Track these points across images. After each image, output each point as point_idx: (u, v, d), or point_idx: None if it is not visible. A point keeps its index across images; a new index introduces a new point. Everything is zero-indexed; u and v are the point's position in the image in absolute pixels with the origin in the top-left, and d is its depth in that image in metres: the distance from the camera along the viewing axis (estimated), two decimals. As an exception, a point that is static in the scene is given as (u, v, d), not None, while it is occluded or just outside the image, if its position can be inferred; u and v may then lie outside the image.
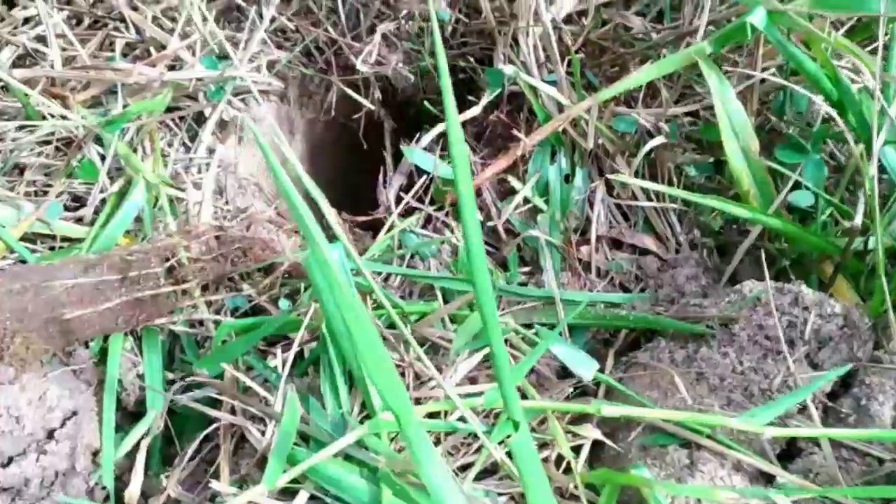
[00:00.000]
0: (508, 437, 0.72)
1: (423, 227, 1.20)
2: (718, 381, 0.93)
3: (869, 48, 1.10)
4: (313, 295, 1.04)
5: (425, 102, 1.34)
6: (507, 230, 1.18)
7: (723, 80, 1.05)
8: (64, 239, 1.13)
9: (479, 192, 1.19)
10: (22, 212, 1.10)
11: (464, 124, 1.26)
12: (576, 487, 0.85)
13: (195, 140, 1.25)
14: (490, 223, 1.19)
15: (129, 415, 1.07)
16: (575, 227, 1.18)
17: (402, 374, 0.97)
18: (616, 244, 1.18)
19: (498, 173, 1.18)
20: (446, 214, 1.20)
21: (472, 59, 1.40)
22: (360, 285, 1.01)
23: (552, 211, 1.17)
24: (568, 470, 0.88)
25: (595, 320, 1.07)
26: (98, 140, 1.17)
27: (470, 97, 1.30)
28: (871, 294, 1.04)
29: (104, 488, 0.97)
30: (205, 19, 1.27)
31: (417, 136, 1.23)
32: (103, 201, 1.15)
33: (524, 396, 0.94)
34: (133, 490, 0.90)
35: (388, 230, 1.16)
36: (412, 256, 1.17)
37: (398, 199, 1.21)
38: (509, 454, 0.78)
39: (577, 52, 1.25)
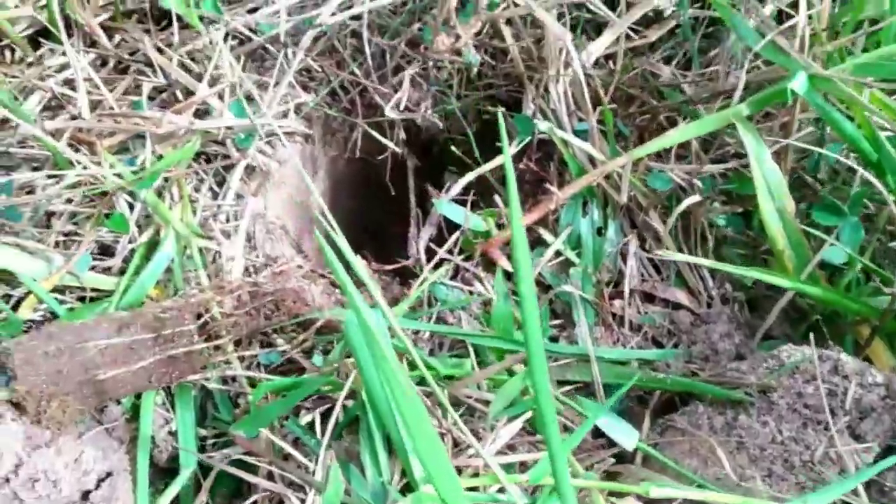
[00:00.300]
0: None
1: (453, 278, 1.20)
2: (759, 451, 0.93)
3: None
4: (345, 349, 1.03)
5: (451, 147, 1.34)
6: (538, 282, 1.18)
7: (759, 141, 1.05)
8: (94, 289, 1.12)
9: (509, 245, 1.19)
10: (52, 264, 1.09)
11: (492, 170, 1.25)
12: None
13: (223, 185, 1.24)
14: (521, 275, 1.18)
15: (162, 471, 1.06)
16: (607, 281, 1.17)
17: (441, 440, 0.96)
18: (649, 298, 1.18)
19: (529, 225, 1.18)
20: (476, 265, 1.20)
21: (499, 103, 1.39)
22: (394, 344, 1.01)
23: (584, 264, 1.16)
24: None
25: (630, 379, 1.06)
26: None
27: (498, 143, 1.29)
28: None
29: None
30: (232, 64, 1.26)
31: (447, 186, 1.22)
32: (132, 251, 1.14)
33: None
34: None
35: (420, 284, 1.15)
36: (440, 303, 1.17)
37: (428, 251, 1.21)
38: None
39: (607, 96, 1.25)
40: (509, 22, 1.30)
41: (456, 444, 0.97)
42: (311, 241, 1.47)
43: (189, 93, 1.24)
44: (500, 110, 1.34)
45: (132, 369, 1.01)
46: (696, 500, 0.86)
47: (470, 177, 1.22)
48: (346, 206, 1.63)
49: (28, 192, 1.15)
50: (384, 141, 1.35)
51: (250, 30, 1.31)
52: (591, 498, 0.91)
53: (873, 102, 1.08)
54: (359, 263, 1.20)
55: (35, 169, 1.17)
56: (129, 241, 1.15)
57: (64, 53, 1.23)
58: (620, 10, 1.30)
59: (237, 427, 0.99)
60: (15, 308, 1.07)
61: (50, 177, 1.15)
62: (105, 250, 1.16)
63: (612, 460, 0.99)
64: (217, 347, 1.07)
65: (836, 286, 1.10)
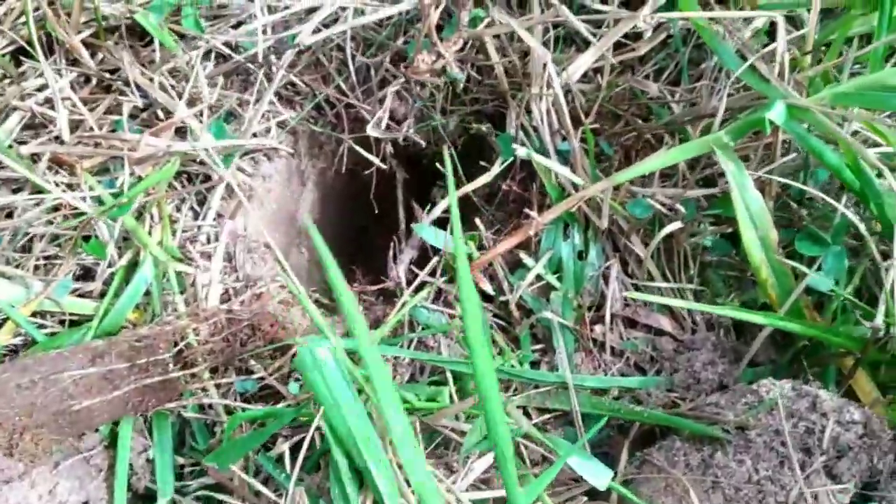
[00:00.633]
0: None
1: (434, 300, 1.19)
2: (734, 491, 0.92)
3: None
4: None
5: (436, 164, 1.32)
6: (519, 306, 1.17)
7: (741, 168, 1.03)
8: (73, 314, 1.12)
9: (490, 266, 1.18)
10: (31, 290, 1.09)
11: (476, 189, 1.24)
12: None
13: (203, 205, 1.23)
14: (503, 298, 1.17)
15: (140, 498, 1.06)
16: (589, 305, 1.16)
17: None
18: (631, 323, 1.16)
19: (510, 249, 1.16)
20: (457, 288, 1.18)
21: (484, 117, 1.37)
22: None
23: (565, 289, 1.15)
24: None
25: (610, 411, 1.05)
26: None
27: (482, 162, 1.27)
28: (893, 386, 1.02)
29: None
30: (210, 85, 1.25)
31: (428, 207, 1.21)
32: (112, 274, 1.14)
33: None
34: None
35: (400, 308, 1.14)
36: (422, 328, 1.16)
37: (408, 273, 1.19)
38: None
39: (590, 115, 1.23)
40: (495, 36, 1.28)
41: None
42: (298, 255, 1.47)
43: (169, 112, 1.23)
44: (485, 127, 1.32)
45: (108, 398, 1.01)
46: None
47: (450, 198, 1.20)
48: (335, 217, 1.62)
49: (7, 216, 1.15)
50: (370, 157, 1.34)
51: (231, 48, 1.29)
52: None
53: (863, 124, 1.06)
54: (339, 286, 1.20)
55: (15, 191, 1.17)
56: (109, 265, 1.14)
57: (43, 74, 1.21)
58: (609, 22, 1.27)
59: (210, 459, 0.99)
60: (-8, 335, 1.07)
61: (30, 199, 1.15)
62: (86, 272, 1.16)
63: (585, 498, 0.98)
64: (193, 375, 1.06)
65: (824, 311, 1.09)
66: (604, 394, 1.11)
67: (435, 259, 1.18)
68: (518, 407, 1.09)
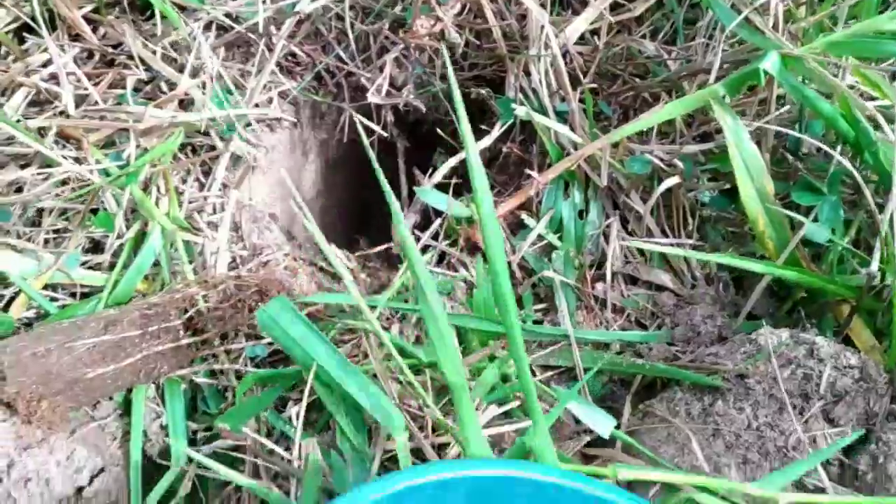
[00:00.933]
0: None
1: (438, 264, 1.20)
2: (734, 437, 0.94)
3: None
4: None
5: (437, 129, 1.33)
6: (521, 266, 1.19)
7: (737, 121, 1.04)
8: (84, 286, 1.14)
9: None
10: (42, 263, 1.12)
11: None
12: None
13: (208, 175, 1.25)
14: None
15: (154, 464, 1.09)
16: (590, 263, 1.18)
17: (422, 427, 0.98)
18: (632, 280, 1.18)
19: (511, 211, 1.18)
20: (460, 251, 1.20)
21: (484, 82, 1.38)
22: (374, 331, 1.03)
23: (566, 248, 1.17)
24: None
25: (611, 366, 1.07)
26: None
27: (483, 126, 1.29)
28: (889, 331, 1.04)
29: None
30: (211, 56, 1.26)
31: (430, 170, 1.22)
32: (121, 246, 1.16)
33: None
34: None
35: (404, 272, 1.16)
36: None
37: (414, 237, 1.21)
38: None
39: (588, 76, 1.24)
40: (493, 0, 1.29)
41: (434, 429, 0.99)
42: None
43: (173, 84, 1.25)
44: (484, 91, 1.33)
45: (120, 366, 1.03)
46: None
47: (452, 162, 1.22)
48: (339, 185, 1.64)
49: (17, 191, 1.17)
50: (371, 125, 1.35)
51: (232, 19, 1.30)
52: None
53: (855, 75, 1.07)
54: (335, 251, 1.22)
55: (23, 167, 1.19)
56: (118, 237, 1.16)
57: (47, 50, 1.23)
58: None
59: (222, 420, 1.01)
60: (6, 307, 1.10)
61: (38, 174, 1.17)
62: (95, 245, 1.18)
63: (587, 438, 1.00)
64: (204, 342, 1.09)
65: (821, 261, 1.10)
66: (606, 348, 1.13)
67: (437, 222, 1.19)
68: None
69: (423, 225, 1.25)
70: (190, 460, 1.06)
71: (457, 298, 1.17)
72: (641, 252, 1.19)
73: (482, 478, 0.72)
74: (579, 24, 1.22)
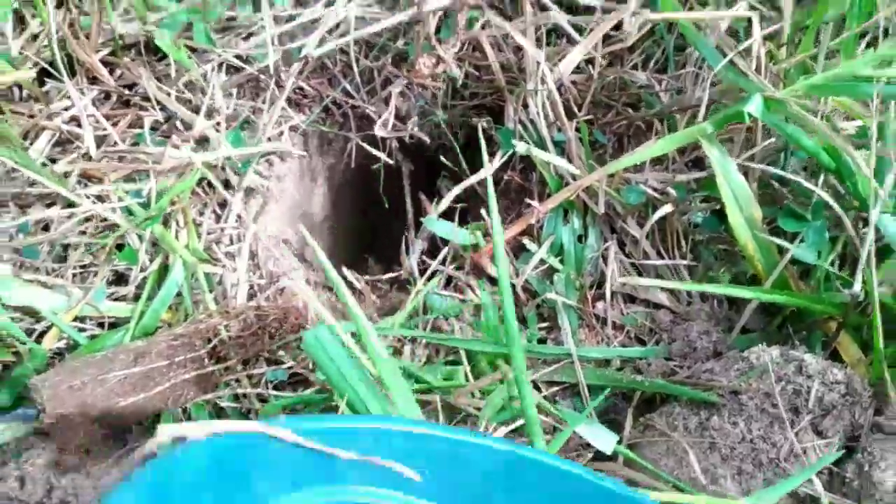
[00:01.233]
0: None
1: (446, 286, 1.27)
2: (729, 450, 1.01)
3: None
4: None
5: (441, 158, 1.40)
6: (525, 288, 1.25)
7: (724, 154, 1.11)
8: (111, 317, 1.20)
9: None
10: (71, 298, 1.18)
11: (479, 180, 1.32)
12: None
13: (224, 207, 1.31)
14: (510, 281, 1.25)
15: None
16: (590, 284, 1.24)
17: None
18: (630, 299, 1.25)
19: (514, 236, 1.24)
20: (467, 274, 1.27)
21: (485, 110, 1.45)
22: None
23: (567, 270, 1.23)
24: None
25: (612, 382, 1.14)
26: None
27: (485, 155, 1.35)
28: (873, 345, 1.11)
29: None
30: (227, 94, 1.33)
31: (436, 199, 1.29)
32: (144, 279, 1.22)
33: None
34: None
35: (414, 296, 1.22)
36: (433, 312, 1.24)
37: (422, 262, 1.28)
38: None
39: (583, 107, 1.31)
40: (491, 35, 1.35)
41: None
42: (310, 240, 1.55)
43: (188, 123, 1.31)
44: (484, 122, 1.40)
45: (150, 395, 1.10)
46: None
47: (456, 191, 1.28)
48: (347, 207, 1.70)
49: (44, 229, 1.24)
50: (377, 153, 1.42)
51: (242, 59, 1.37)
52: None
53: (838, 104, 1.14)
54: (346, 273, 1.28)
55: (49, 205, 1.25)
56: (141, 270, 1.23)
57: (68, 95, 1.29)
58: (598, 17, 1.35)
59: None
60: (39, 340, 1.16)
61: (63, 212, 1.23)
62: (120, 278, 1.25)
63: (590, 454, 1.06)
64: (227, 368, 1.15)
65: (809, 279, 1.17)
66: (607, 365, 1.19)
67: (445, 250, 1.26)
68: (529, 380, 1.17)
69: (430, 249, 1.31)
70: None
71: (464, 320, 1.23)
72: (640, 272, 1.26)
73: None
74: (574, 56, 1.29)
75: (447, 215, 1.31)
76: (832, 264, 1.14)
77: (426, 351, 1.21)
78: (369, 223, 1.78)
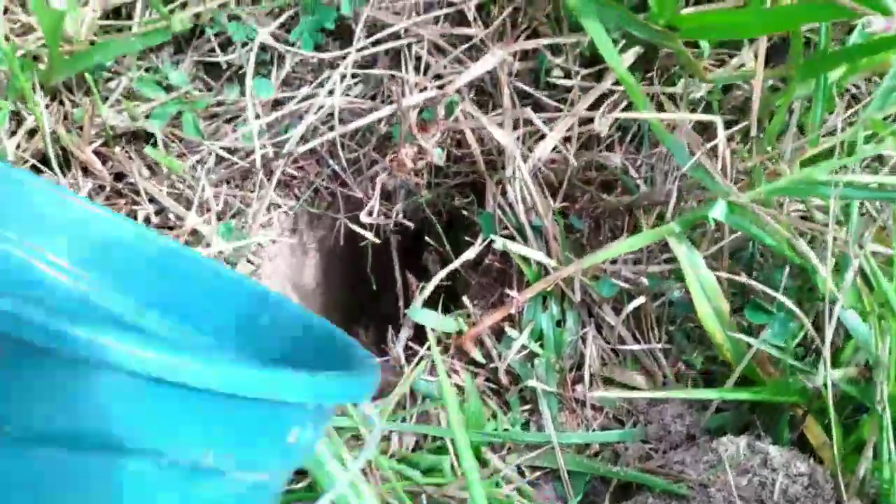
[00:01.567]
0: None
1: (431, 372, 1.33)
2: (700, 544, 1.07)
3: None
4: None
5: (426, 238, 1.46)
6: (507, 372, 1.31)
7: (693, 251, 1.16)
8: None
9: (480, 342, 1.32)
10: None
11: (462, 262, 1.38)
12: None
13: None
14: (492, 364, 1.31)
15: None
16: (570, 366, 1.30)
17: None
18: (608, 381, 1.30)
19: (496, 322, 1.30)
20: (451, 357, 1.32)
21: (467, 187, 1.50)
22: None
23: (547, 355, 1.29)
24: None
25: (591, 469, 1.20)
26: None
27: (467, 236, 1.40)
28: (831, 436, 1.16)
29: None
30: (216, 185, 1.38)
31: (421, 286, 1.34)
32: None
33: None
34: None
35: (403, 384, 1.28)
36: (423, 400, 1.30)
37: (406, 349, 1.34)
38: None
39: (558, 195, 1.36)
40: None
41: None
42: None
43: (180, 217, 1.36)
44: (466, 202, 1.45)
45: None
46: None
47: (436, 279, 1.34)
48: (337, 279, 1.76)
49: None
50: (364, 233, 1.47)
51: (230, 151, 1.42)
52: None
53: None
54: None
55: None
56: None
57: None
58: (572, 98, 1.40)
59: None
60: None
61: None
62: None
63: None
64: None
65: (779, 364, 1.22)
66: (587, 448, 1.25)
67: (431, 340, 1.31)
68: (513, 464, 1.24)
69: (417, 332, 1.37)
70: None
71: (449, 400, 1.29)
72: (617, 354, 1.31)
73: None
74: (547, 144, 1.34)
75: (434, 297, 1.36)
76: (801, 350, 1.20)
77: (414, 437, 1.27)
78: (357, 299, 1.83)
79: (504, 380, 1.30)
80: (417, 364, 1.31)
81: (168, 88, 1.43)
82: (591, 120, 1.41)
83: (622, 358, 1.31)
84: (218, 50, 1.47)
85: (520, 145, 1.32)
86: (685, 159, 1.17)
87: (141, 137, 1.46)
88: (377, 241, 1.48)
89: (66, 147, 1.39)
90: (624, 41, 1.33)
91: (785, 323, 1.18)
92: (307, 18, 1.45)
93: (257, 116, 1.40)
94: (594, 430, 1.27)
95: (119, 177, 1.43)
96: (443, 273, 1.34)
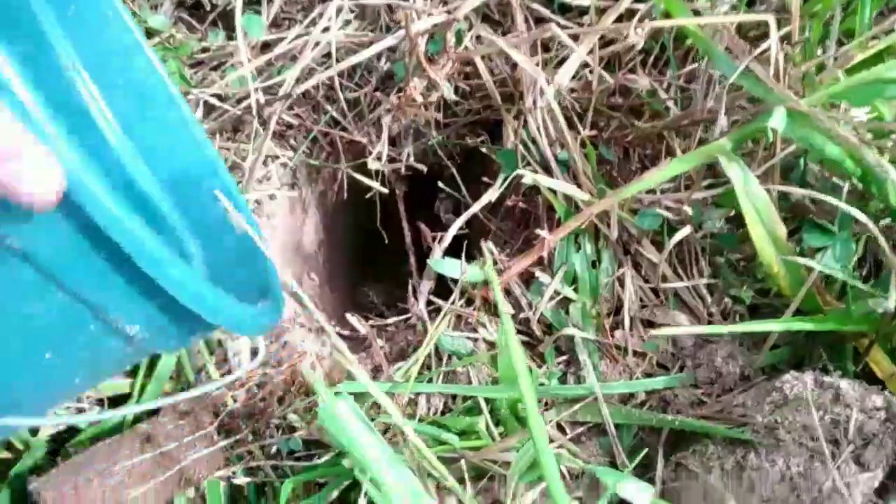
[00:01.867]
0: None
1: (456, 325, 1.21)
2: (770, 492, 0.96)
3: None
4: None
5: (439, 183, 1.34)
6: (539, 321, 1.19)
7: (745, 170, 1.04)
8: (110, 397, 1.15)
9: (507, 291, 1.20)
10: (66, 379, 1.12)
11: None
12: None
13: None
14: (522, 314, 1.20)
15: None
16: (607, 311, 1.19)
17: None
18: (649, 323, 1.19)
19: (523, 269, 1.19)
20: (475, 310, 1.21)
21: (479, 126, 1.38)
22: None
23: (582, 300, 1.18)
24: None
25: (640, 420, 1.09)
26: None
27: (484, 178, 1.28)
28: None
29: None
30: (210, 137, 1.25)
31: (439, 236, 1.22)
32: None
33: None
34: None
35: (428, 344, 1.17)
36: (450, 358, 1.19)
37: (430, 304, 1.22)
38: None
39: (584, 122, 1.24)
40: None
41: (481, 515, 1.01)
42: (309, 282, 1.49)
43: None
44: (481, 140, 1.33)
45: (161, 479, 1.05)
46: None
47: (459, 223, 1.22)
48: (340, 233, 1.64)
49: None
50: (370, 183, 1.35)
51: (221, 98, 1.29)
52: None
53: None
54: (350, 319, 1.23)
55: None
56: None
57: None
58: (590, 20, 1.27)
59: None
60: (35, 431, 1.10)
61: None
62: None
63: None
64: (237, 441, 1.10)
65: (833, 290, 1.12)
66: (631, 398, 1.14)
67: (453, 287, 1.20)
68: (552, 422, 1.13)
69: (437, 288, 1.25)
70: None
71: (479, 358, 1.18)
72: (657, 294, 1.20)
73: None
74: (571, 65, 1.21)
75: (451, 246, 1.25)
76: (863, 279, 1.09)
77: (441, 398, 1.16)
78: (363, 247, 1.71)
79: (537, 330, 1.19)
80: (442, 320, 1.20)
81: (149, 34, 1.30)
82: (611, 42, 1.29)
83: (663, 298, 1.20)
84: (200, -11, 1.34)
85: (541, 68, 1.19)
86: (731, 68, 1.04)
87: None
88: (384, 190, 1.36)
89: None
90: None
91: (847, 244, 1.07)
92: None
93: (248, 61, 1.27)
94: (638, 378, 1.16)
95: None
96: (465, 216, 1.22)
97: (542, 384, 1.15)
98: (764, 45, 1.05)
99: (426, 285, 1.21)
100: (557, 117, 1.18)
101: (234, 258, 0.90)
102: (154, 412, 1.11)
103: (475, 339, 1.19)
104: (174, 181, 0.92)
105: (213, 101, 1.29)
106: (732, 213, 1.20)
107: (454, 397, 1.17)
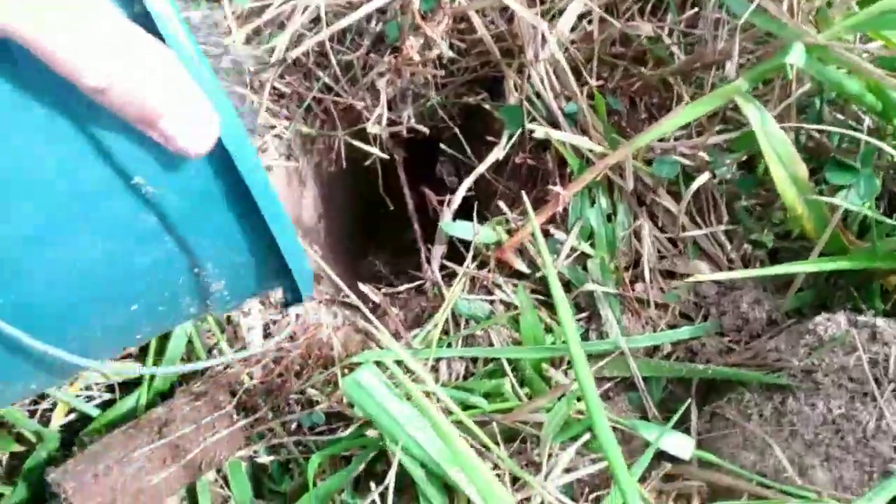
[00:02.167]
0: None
1: (470, 288, 1.18)
2: (813, 435, 0.95)
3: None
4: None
5: (441, 145, 1.30)
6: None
7: (763, 112, 1.01)
8: (120, 380, 1.10)
9: (520, 251, 1.17)
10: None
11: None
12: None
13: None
14: (538, 274, 1.17)
15: (227, 551, 1.08)
16: (626, 265, 1.16)
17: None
18: (669, 274, 1.17)
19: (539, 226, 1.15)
20: (489, 272, 1.18)
21: (478, 84, 1.34)
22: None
23: (600, 255, 1.15)
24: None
25: (670, 372, 1.07)
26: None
27: (488, 137, 1.24)
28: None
29: None
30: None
31: (447, 199, 1.19)
32: (148, 331, 1.12)
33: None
34: None
35: (445, 309, 1.13)
36: (467, 322, 1.15)
37: (442, 268, 1.19)
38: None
39: (590, 72, 1.20)
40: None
41: (515, 478, 0.97)
42: (312, 253, 1.44)
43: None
44: (482, 98, 1.29)
45: (181, 464, 1.01)
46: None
47: (467, 183, 1.19)
48: (338, 202, 1.59)
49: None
50: (368, 149, 1.31)
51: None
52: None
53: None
54: (363, 289, 1.19)
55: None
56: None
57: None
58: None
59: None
60: (45, 420, 1.06)
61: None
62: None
63: (669, 465, 0.99)
64: (258, 420, 1.06)
65: (854, 227, 1.10)
66: (657, 351, 1.12)
67: (467, 250, 1.16)
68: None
69: (448, 252, 1.22)
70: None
71: (498, 321, 1.14)
72: (675, 244, 1.17)
73: None
74: (571, 12, 1.18)
75: (460, 209, 1.21)
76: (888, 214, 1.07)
77: (462, 362, 1.13)
78: (363, 215, 1.67)
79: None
80: (458, 284, 1.17)
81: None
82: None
83: (682, 248, 1.17)
84: (178, -43, 1.28)
85: (540, 17, 1.15)
86: (743, 6, 1.01)
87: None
88: (383, 155, 1.32)
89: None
90: None
91: (871, 179, 1.04)
92: None
93: (235, 30, 1.22)
94: (663, 330, 1.13)
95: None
96: (473, 176, 1.18)
97: (564, 342, 1.12)
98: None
99: (439, 250, 1.18)
100: (564, 68, 1.15)
101: None
102: (168, 395, 1.07)
103: (492, 301, 1.16)
104: None
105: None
106: (745, 157, 1.18)
107: (475, 362, 1.13)
